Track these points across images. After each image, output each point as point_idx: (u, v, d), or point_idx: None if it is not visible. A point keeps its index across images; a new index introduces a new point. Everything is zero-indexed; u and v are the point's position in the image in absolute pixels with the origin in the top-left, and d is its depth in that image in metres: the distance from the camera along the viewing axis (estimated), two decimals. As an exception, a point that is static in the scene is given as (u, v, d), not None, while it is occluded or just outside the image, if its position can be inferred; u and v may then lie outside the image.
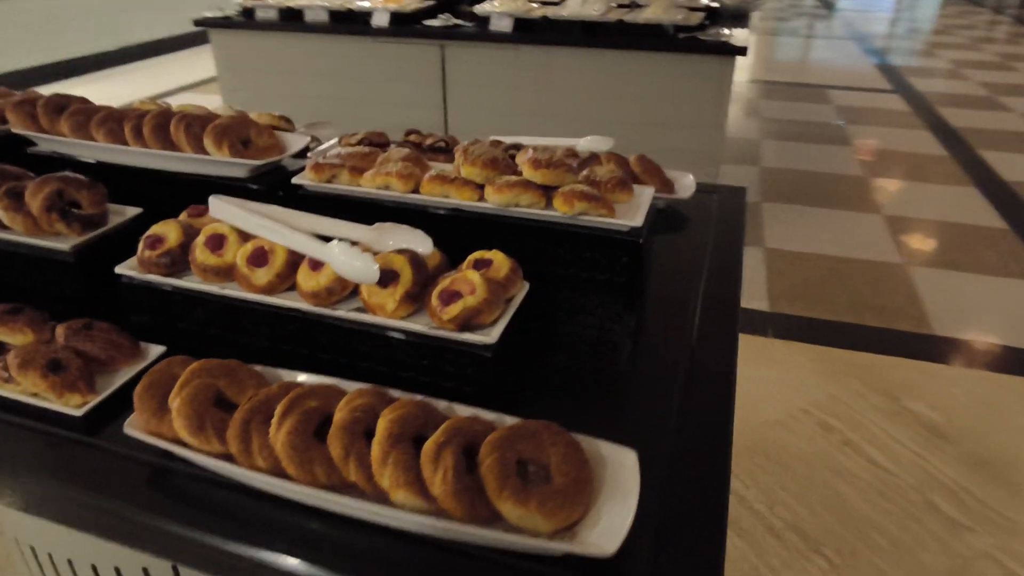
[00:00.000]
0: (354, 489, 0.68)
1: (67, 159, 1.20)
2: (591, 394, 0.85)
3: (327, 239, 0.85)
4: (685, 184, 1.40)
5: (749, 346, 2.52)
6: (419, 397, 0.75)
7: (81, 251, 0.98)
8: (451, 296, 0.77)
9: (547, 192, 0.95)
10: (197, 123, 1.10)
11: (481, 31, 3.22)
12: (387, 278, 0.79)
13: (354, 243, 0.82)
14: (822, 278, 2.98)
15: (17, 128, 1.20)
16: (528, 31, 3.18)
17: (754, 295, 2.83)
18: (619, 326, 0.97)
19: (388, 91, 3.50)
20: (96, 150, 1.15)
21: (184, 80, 6.23)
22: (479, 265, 0.84)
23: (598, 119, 3.22)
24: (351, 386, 0.79)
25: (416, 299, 0.79)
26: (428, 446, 0.66)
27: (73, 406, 0.81)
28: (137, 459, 0.76)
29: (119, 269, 0.91)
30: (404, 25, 3.34)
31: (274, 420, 0.70)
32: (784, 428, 2.15)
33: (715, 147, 3.15)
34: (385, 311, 0.79)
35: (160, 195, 1.17)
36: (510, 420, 0.73)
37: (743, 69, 6.64)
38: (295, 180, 1.04)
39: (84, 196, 1.03)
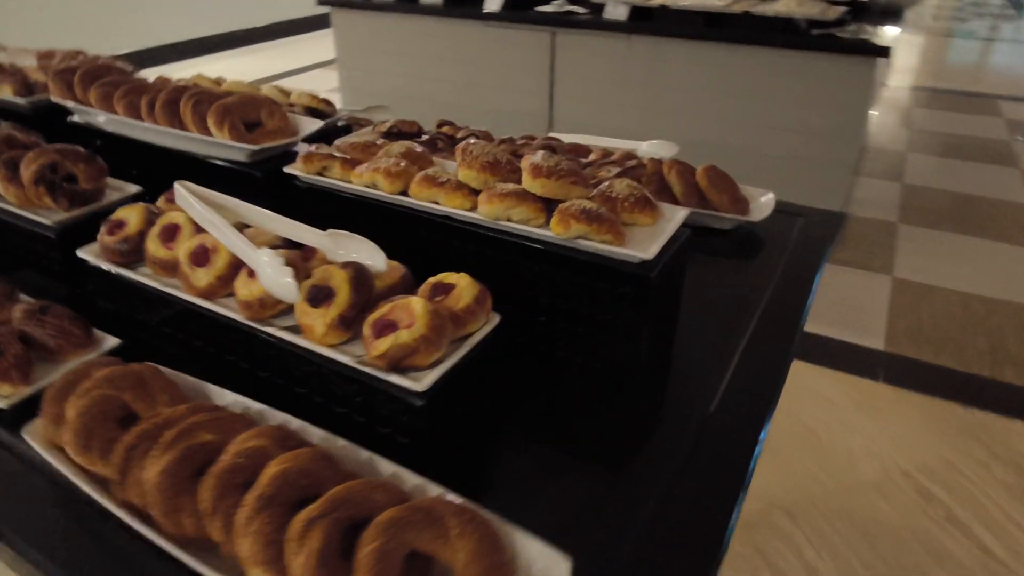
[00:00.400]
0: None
1: (97, 130, 1.18)
2: (555, 469, 0.69)
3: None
4: (762, 203, 1.18)
5: (853, 389, 2.21)
6: (341, 442, 0.63)
7: (63, 228, 0.94)
8: (384, 327, 0.64)
9: (549, 206, 0.79)
10: (205, 101, 1.03)
11: (594, 19, 3.04)
12: (321, 296, 0.67)
13: (293, 250, 0.71)
14: (956, 318, 2.57)
15: (55, 96, 1.19)
16: (644, 20, 2.96)
17: (869, 330, 2.48)
18: (616, 380, 0.79)
19: (496, 76, 3.40)
20: (115, 123, 1.12)
21: (313, 59, 6.44)
22: (438, 290, 0.70)
23: (714, 119, 2.95)
24: (276, 417, 0.68)
25: (351, 324, 0.67)
26: (298, 518, 0.53)
27: (1, 397, 0.75)
28: (43, 469, 0.69)
29: (80, 252, 0.85)
30: (516, 10, 3.22)
31: (152, 452, 0.60)
32: (878, 492, 1.84)
33: (849, 158, 2.79)
34: (314, 334, 0.67)
35: (167, 174, 1.12)
36: (435, 490, 0.59)
37: (903, 73, 5.98)
38: (287, 169, 0.94)
39: (81, 170, 0.99)
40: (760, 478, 1.88)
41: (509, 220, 0.78)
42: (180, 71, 6.06)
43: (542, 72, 3.26)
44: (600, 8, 3.07)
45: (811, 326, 2.50)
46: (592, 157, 1.25)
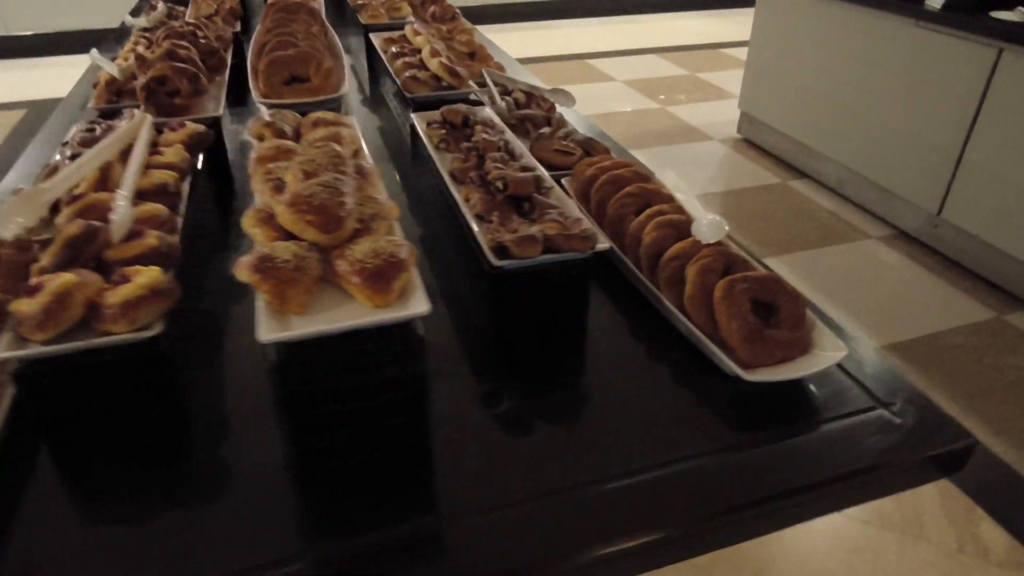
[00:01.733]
0: None
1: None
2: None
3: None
4: (806, 360, 0.78)
5: None
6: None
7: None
8: (27, 291, 0.66)
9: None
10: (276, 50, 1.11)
11: (1067, 41, 2.16)
12: (46, 243, 0.72)
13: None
14: None
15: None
16: None
17: None
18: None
19: (904, 90, 2.72)
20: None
21: (725, 37, 5.95)
22: (125, 277, 0.67)
23: None
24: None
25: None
26: None
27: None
28: None
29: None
30: (962, 13, 2.48)
31: None
32: None
33: None
34: (32, 275, 0.73)
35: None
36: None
37: None
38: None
39: (184, 86, 1.19)
40: None
41: (252, 237, 0.70)
42: (638, 23, 6.34)
43: (966, 101, 2.49)
44: (1082, 28, 2.16)
45: None
46: (647, 213, 0.98)
